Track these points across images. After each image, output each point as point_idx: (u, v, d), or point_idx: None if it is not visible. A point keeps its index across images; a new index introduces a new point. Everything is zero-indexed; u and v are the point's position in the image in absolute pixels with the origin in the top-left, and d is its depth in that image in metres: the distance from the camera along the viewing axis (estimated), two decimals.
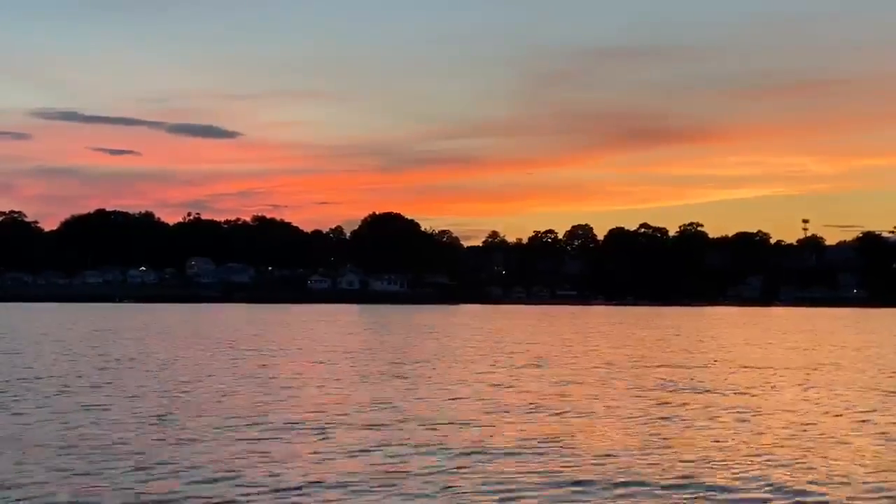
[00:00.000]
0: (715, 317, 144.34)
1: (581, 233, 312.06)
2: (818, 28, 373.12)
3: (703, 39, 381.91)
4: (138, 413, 24.32)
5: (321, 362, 42.90)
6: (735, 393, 31.13)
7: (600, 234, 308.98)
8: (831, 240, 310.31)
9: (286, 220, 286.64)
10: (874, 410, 26.90)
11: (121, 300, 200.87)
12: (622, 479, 16.81)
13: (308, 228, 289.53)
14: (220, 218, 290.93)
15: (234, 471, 17.03)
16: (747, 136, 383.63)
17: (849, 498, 15.75)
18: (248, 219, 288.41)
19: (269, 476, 16.66)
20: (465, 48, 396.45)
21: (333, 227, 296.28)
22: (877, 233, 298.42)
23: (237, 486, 15.95)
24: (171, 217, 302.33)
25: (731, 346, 61.23)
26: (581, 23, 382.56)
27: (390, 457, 18.58)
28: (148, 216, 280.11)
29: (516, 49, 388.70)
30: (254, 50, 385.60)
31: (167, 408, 25.46)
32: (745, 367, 42.68)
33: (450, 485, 16.21)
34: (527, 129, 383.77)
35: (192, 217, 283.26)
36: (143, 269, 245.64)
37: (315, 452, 19.03)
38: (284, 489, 15.78)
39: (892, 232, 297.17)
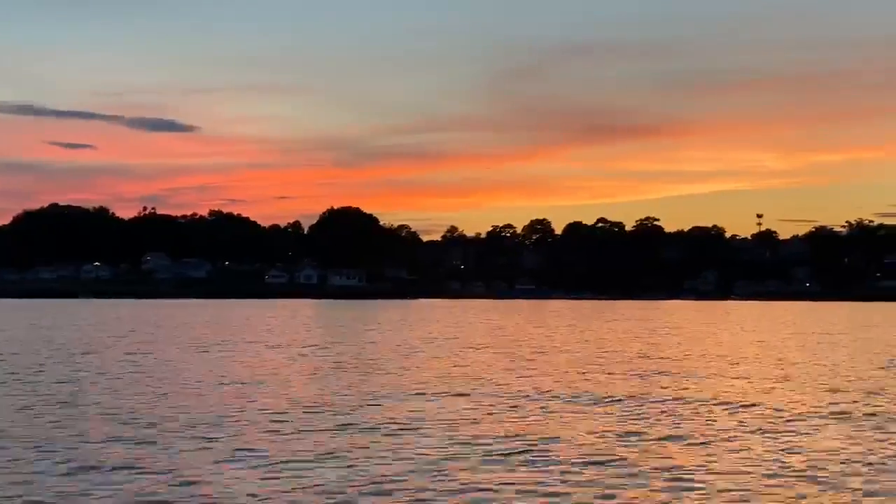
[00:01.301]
0: (688, 311, 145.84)
1: (539, 227, 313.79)
2: (774, 26, 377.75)
3: (662, 36, 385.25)
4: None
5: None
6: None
7: (558, 228, 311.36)
8: (785, 234, 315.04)
9: (244, 215, 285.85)
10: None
11: (84, 296, 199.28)
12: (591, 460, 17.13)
13: (266, 223, 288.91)
14: (177, 213, 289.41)
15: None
16: (704, 131, 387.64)
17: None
18: (205, 214, 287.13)
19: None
20: (424, 43, 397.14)
21: (291, 221, 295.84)
22: (829, 227, 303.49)
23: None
24: (126, 212, 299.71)
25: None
26: (541, 19, 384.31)
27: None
28: (103, 211, 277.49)
29: (476, 44, 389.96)
30: (213, 44, 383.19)
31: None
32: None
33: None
34: (485, 124, 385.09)
35: (148, 212, 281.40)
36: (98, 264, 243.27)
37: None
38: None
39: (844, 227, 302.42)
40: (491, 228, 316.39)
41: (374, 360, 40.43)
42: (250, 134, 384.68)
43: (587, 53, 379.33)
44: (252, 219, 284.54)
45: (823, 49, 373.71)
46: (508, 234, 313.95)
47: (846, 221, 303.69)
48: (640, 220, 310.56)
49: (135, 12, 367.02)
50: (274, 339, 56.51)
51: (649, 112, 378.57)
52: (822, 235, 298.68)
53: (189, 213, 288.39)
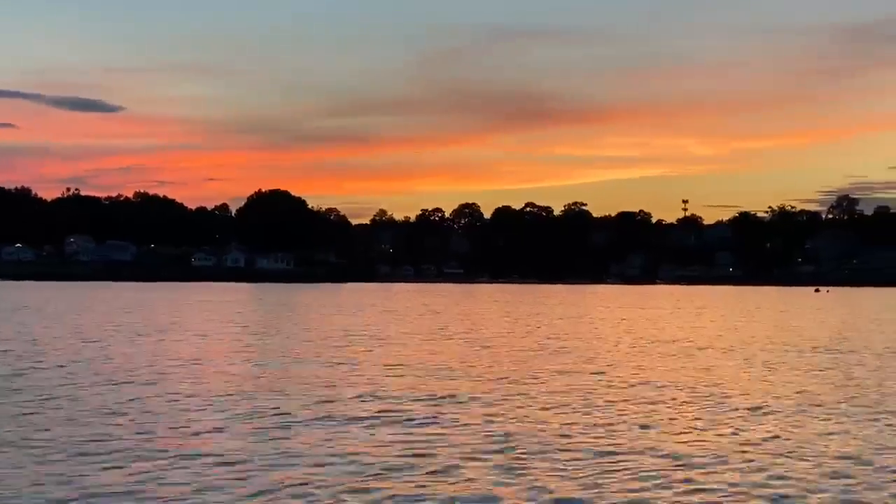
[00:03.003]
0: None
1: (468, 211, 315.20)
2: (700, 12, 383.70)
3: (591, 22, 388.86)
4: None
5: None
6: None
7: (487, 212, 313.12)
8: (709, 219, 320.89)
9: (170, 197, 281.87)
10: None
11: (3, 278, 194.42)
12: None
13: (193, 206, 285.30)
14: (102, 194, 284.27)
15: None
16: (631, 117, 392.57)
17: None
18: (130, 195, 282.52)
19: None
20: (355, 25, 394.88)
21: (219, 204, 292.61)
22: (752, 213, 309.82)
23: None
24: (49, 193, 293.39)
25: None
26: (472, 2, 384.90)
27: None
28: (25, 192, 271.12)
29: (406, 27, 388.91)
30: (140, 23, 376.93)
31: None
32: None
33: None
34: (415, 107, 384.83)
35: (71, 193, 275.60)
36: (20, 246, 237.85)
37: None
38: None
39: (767, 212, 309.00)
40: (420, 212, 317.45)
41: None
42: (177, 115, 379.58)
43: (517, 38, 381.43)
44: (179, 201, 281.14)
45: (748, 36, 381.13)
46: (437, 218, 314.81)
47: (769, 207, 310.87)
48: (568, 204, 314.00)
49: None
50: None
51: (578, 97, 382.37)
52: (744, 221, 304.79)
53: (114, 194, 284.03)
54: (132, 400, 23.23)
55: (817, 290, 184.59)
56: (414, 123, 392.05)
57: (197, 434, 18.78)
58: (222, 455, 16.75)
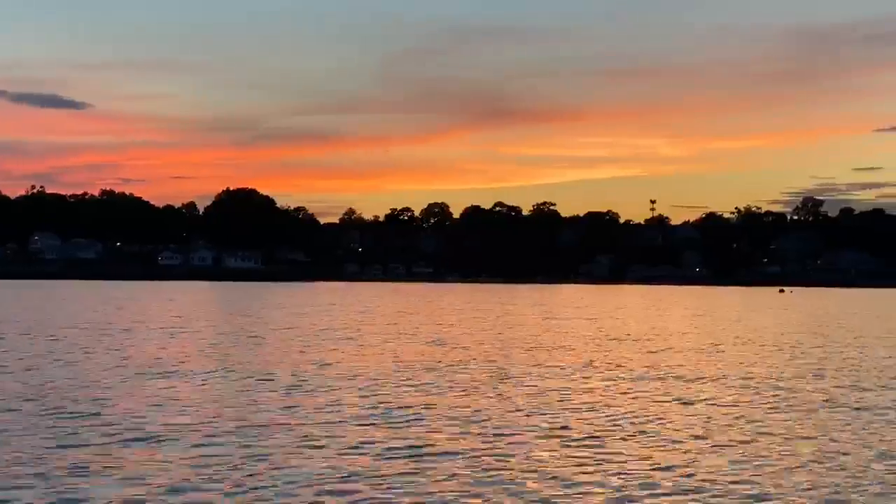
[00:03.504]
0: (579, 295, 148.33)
1: (437, 211, 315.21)
2: (670, 13, 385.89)
3: (560, 21, 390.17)
4: None
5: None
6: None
7: (456, 212, 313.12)
8: (677, 220, 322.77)
9: (137, 195, 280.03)
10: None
11: None
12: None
13: (160, 204, 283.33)
14: (67, 192, 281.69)
15: None
16: (600, 117, 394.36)
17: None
18: (96, 193, 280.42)
19: None
20: (323, 23, 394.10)
21: (186, 202, 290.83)
22: (719, 214, 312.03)
23: None
24: (13, 190, 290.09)
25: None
26: (444, 0, 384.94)
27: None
28: None
29: (375, 26, 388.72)
30: (107, 19, 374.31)
31: None
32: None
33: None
34: (385, 106, 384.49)
35: (36, 191, 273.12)
36: None
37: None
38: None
39: (733, 213, 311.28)
40: (389, 211, 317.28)
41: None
42: (145, 112, 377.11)
43: (485, 36, 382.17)
44: (145, 199, 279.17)
45: (716, 38, 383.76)
46: (406, 218, 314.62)
47: (735, 208, 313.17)
48: (537, 204, 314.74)
49: None
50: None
51: (547, 97, 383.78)
52: (711, 222, 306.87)
53: (80, 192, 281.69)
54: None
55: (782, 291, 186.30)
56: (383, 122, 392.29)
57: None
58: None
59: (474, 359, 35.18)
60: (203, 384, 26.58)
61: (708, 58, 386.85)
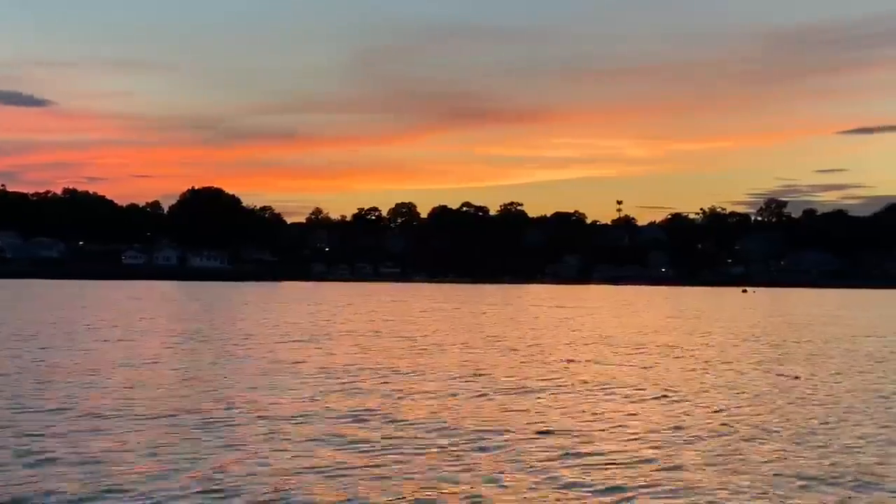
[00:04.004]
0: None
1: (404, 210, 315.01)
2: (635, 15, 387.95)
3: (528, 23, 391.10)
4: None
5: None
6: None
7: (423, 212, 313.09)
8: (643, 220, 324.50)
9: (101, 194, 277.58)
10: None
11: None
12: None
13: (124, 203, 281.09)
14: (30, 190, 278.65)
15: None
16: (567, 118, 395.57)
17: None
18: (59, 192, 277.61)
19: None
20: (292, 22, 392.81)
21: (151, 201, 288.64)
22: (684, 214, 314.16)
23: None
24: None
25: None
26: (410, 0, 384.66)
27: None
28: None
29: (344, 25, 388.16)
30: (71, 16, 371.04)
31: None
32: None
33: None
34: (352, 105, 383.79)
35: None
36: None
37: None
38: None
39: (699, 214, 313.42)
40: (356, 211, 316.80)
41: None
42: (109, 110, 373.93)
43: (454, 37, 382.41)
44: (109, 198, 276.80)
45: (682, 39, 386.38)
46: (374, 217, 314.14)
47: (700, 209, 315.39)
48: (505, 204, 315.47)
49: None
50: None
51: (514, 97, 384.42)
52: (677, 222, 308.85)
53: (42, 190, 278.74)
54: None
55: (744, 291, 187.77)
56: (351, 122, 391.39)
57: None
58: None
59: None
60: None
61: (674, 60, 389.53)
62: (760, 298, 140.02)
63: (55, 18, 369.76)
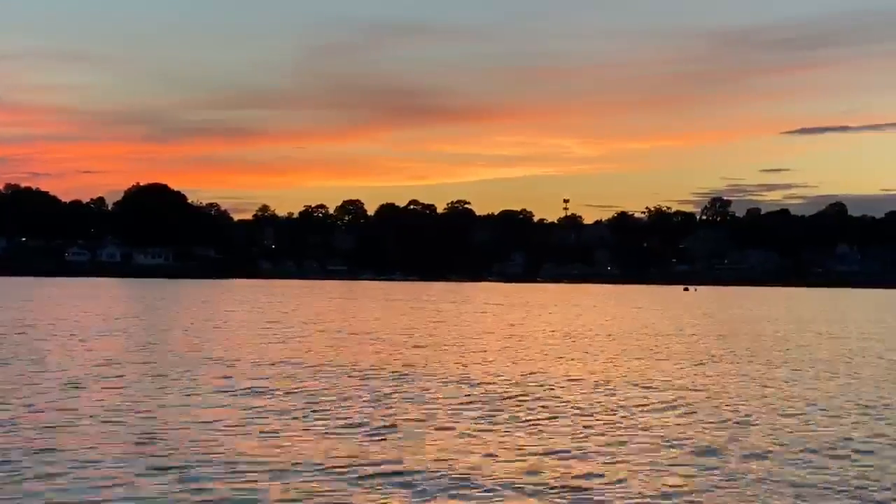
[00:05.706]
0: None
1: (352, 208, 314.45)
2: (582, 14, 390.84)
3: (475, 21, 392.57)
4: None
5: None
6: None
7: (371, 209, 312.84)
8: (589, 219, 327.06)
9: (44, 190, 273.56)
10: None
11: None
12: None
13: (68, 199, 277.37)
14: None
15: None
16: (514, 116, 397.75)
17: None
18: (1, 187, 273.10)
19: None
20: (240, 16, 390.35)
21: (95, 197, 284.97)
22: (630, 213, 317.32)
23: None
24: None
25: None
26: None
27: None
28: None
29: (291, 19, 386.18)
30: (14, 7, 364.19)
31: None
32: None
33: None
34: (299, 101, 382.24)
35: None
36: None
37: None
38: None
39: (644, 213, 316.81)
40: (303, 208, 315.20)
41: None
42: (53, 103, 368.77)
43: (402, 34, 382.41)
44: (52, 194, 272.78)
45: (628, 38, 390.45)
46: (321, 214, 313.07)
47: (646, 207, 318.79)
48: (452, 202, 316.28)
49: None
50: None
51: (462, 95, 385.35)
52: (623, 221, 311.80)
53: None
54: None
55: (686, 289, 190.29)
56: (297, 118, 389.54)
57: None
58: None
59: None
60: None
61: (620, 59, 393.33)
62: (700, 296, 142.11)
63: None
